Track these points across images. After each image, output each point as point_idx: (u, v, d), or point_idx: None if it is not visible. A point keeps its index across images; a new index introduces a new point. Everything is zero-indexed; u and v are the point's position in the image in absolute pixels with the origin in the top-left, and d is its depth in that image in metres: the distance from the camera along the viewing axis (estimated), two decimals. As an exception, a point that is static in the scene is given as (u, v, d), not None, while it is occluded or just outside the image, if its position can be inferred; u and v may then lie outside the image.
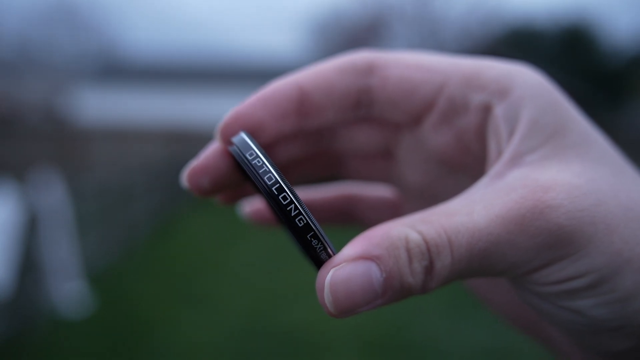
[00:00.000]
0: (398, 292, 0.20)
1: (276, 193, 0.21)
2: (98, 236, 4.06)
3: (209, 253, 4.54)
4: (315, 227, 0.21)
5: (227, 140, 0.26)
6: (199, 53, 14.68)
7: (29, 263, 2.81)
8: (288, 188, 0.21)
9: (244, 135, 0.23)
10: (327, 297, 0.20)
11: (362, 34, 15.54)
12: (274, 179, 0.21)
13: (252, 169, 0.21)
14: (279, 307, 3.14)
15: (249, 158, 0.22)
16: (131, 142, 9.67)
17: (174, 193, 6.85)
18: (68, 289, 3.12)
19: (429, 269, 0.20)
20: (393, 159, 0.29)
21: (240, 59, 13.51)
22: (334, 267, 0.20)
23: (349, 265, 0.20)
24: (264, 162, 0.21)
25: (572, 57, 13.58)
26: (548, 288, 0.21)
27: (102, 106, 11.20)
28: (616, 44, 14.39)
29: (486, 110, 0.24)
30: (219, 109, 10.81)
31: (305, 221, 0.21)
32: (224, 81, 11.69)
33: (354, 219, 0.34)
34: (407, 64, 0.25)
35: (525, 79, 0.23)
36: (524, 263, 0.20)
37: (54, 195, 3.11)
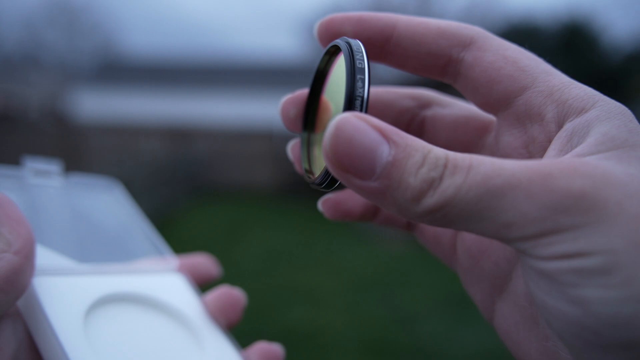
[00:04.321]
0: (394, 187, 0.20)
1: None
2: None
3: (208, 251, 4.55)
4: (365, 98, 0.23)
5: (327, 35, 0.28)
6: (198, 53, 14.67)
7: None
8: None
9: (361, 45, 0.25)
10: (328, 134, 0.20)
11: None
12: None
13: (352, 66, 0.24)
14: (279, 306, 3.14)
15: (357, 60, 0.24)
16: (131, 141, 9.67)
17: (173, 191, 6.85)
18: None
19: (435, 182, 0.19)
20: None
21: (238, 59, 13.50)
22: (355, 115, 0.20)
23: (365, 124, 0.20)
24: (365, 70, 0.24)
25: (570, 54, 13.58)
26: (552, 264, 0.19)
27: (102, 105, 11.20)
28: (615, 41, 14.38)
29: (559, 125, 0.24)
30: (218, 109, 10.81)
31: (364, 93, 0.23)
32: (222, 81, 11.68)
33: (422, 133, 0.31)
34: (505, 54, 0.25)
35: (609, 105, 0.22)
36: (534, 221, 0.18)
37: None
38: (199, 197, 7.33)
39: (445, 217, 0.19)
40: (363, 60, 0.24)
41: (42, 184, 0.33)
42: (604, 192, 0.18)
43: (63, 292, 0.27)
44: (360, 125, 0.20)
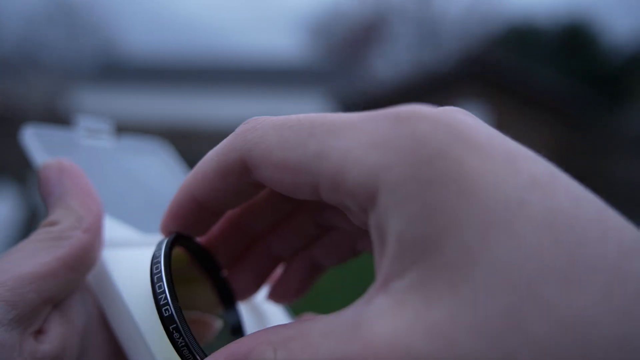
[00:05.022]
0: None
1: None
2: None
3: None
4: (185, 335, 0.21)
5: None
6: (198, 53, 14.70)
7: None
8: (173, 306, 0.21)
9: (166, 245, 0.23)
10: None
11: (362, 33, 15.54)
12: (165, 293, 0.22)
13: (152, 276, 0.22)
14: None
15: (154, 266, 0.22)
16: (131, 141, 9.67)
17: (173, 192, 6.85)
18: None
19: None
20: None
21: (239, 58, 13.51)
22: None
23: None
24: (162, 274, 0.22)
25: (571, 55, 13.60)
26: None
27: (102, 105, 11.20)
28: (615, 42, 14.40)
29: (367, 216, 0.18)
30: (219, 109, 10.81)
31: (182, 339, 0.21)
32: (223, 81, 11.69)
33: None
34: (273, 162, 0.20)
35: (394, 176, 0.17)
36: None
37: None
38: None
39: None
40: (169, 307, 0.21)
41: (95, 145, 0.31)
42: None
43: (131, 264, 0.26)
44: None
